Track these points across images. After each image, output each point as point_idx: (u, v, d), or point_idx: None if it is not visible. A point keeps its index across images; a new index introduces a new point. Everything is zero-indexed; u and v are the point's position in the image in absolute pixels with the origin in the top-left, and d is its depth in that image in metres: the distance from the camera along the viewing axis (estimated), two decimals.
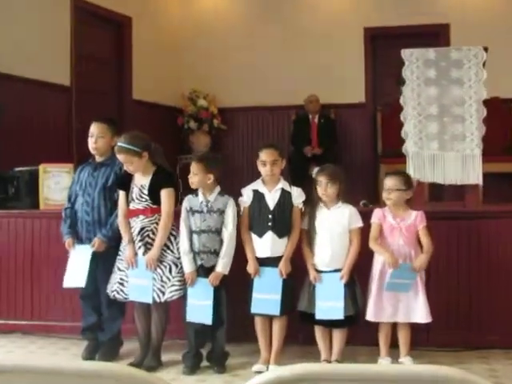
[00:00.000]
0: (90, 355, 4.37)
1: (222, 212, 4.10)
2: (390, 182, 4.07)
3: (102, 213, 4.31)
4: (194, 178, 4.10)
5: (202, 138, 8.68)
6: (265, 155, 4.09)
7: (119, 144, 4.11)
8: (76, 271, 4.29)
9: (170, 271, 4.10)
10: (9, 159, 5.73)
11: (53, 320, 4.95)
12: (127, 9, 8.00)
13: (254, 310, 4.07)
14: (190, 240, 4.09)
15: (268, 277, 4.06)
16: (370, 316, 4.02)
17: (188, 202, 4.15)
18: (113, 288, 4.18)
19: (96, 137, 4.38)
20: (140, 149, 4.09)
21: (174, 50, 8.73)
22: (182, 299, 4.11)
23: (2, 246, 5.06)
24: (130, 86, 8.15)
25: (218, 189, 4.16)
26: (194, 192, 4.17)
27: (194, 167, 4.09)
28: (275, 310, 4.01)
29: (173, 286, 4.08)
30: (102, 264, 4.30)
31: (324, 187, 4.01)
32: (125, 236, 4.16)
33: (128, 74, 8.15)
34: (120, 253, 4.22)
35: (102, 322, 4.42)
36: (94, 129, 4.41)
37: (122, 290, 4.16)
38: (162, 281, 4.08)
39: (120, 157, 4.11)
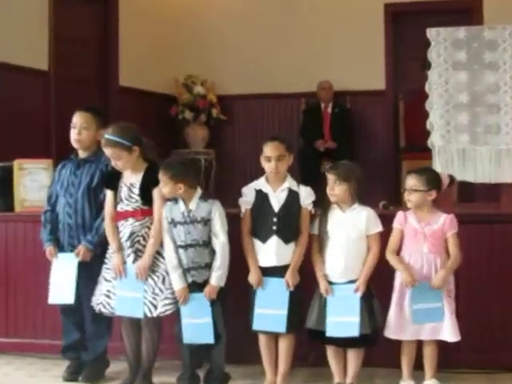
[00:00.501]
0: (71, 377, 4.40)
1: (206, 221, 4.07)
2: (409, 182, 4.08)
3: (86, 216, 4.35)
4: (164, 189, 4.06)
5: (198, 130, 8.70)
6: (269, 150, 4.10)
7: (106, 136, 4.14)
8: (62, 285, 4.32)
9: (163, 282, 4.12)
10: None
11: (30, 337, 4.98)
12: None
13: (256, 326, 4.09)
14: (177, 253, 4.10)
15: (273, 289, 4.07)
16: (390, 333, 4.03)
17: (169, 211, 4.10)
18: (98, 301, 4.20)
19: (79, 128, 4.41)
20: (130, 142, 4.13)
21: (166, 29, 8.73)
22: (176, 315, 4.13)
23: None
24: (117, 70, 8.17)
25: (198, 193, 4.12)
26: (174, 199, 4.14)
27: (162, 178, 4.05)
28: (281, 327, 4.02)
29: (166, 298, 4.10)
30: (85, 274, 4.32)
31: (331, 186, 4.02)
32: (112, 242, 4.20)
33: (114, 58, 8.17)
34: (106, 261, 4.25)
35: (85, 339, 4.44)
36: (77, 119, 4.44)
37: (108, 304, 4.18)
38: (153, 293, 4.11)
39: (107, 151, 4.14)
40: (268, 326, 4.07)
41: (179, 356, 4.25)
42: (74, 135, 4.43)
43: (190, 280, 4.08)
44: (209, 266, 4.07)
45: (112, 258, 4.19)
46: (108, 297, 4.18)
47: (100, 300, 4.20)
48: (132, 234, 4.15)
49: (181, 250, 4.07)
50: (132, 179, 4.19)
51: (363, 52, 8.45)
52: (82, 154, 4.47)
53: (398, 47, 8.70)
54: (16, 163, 5.07)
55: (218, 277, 4.05)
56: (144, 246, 4.14)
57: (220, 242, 4.07)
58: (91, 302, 4.24)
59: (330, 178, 4.03)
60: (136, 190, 4.16)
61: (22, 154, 5.07)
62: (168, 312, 4.10)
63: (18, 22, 6.74)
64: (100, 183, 4.33)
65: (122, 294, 4.14)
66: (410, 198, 4.05)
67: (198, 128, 8.70)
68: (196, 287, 4.08)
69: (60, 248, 4.40)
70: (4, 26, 6.55)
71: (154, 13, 8.66)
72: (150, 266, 4.11)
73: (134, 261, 4.14)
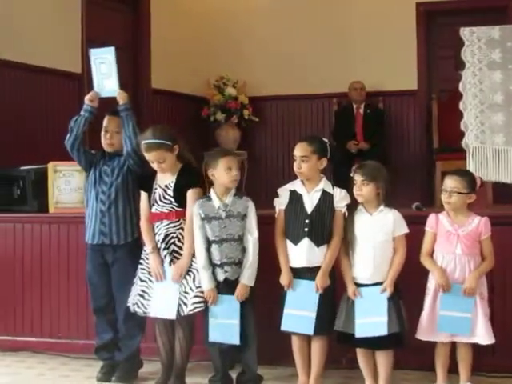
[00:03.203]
0: (105, 377, 4.44)
1: (243, 216, 4.12)
2: (450, 183, 4.01)
3: (119, 205, 4.37)
4: (237, 175, 4.13)
5: (230, 132, 8.71)
6: (296, 149, 4.14)
7: (148, 141, 4.16)
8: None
9: (194, 280, 4.15)
10: (14, 157, 5.83)
11: (64, 337, 5.06)
12: None
13: (284, 327, 4.09)
14: (208, 251, 4.12)
15: (303, 290, 4.07)
16: (422, 334, 4.02)
17: (201, 207, 4.13)
18: (133, 301, 4.24)
19: (111, 132, 4.46)
20: (171, 142, 4.17)
21: (198, 31, 8.76)
22: (204, 316, 4.16)
23: (8, 254, 5.17)
24: (149, 73, 8.22)
25: (233, 190, 4.17)
26: (205, 196, 4.19)
27: (236, 162, 4.15)
28: (309, 328, 4.02)
29: (195, 297, 4.12)
30: (117, 273, 4.38)
31: (358, 186, 4.01)
32: (148, 243, 4.23)
33: (146, 60, 8.22)
34: (142, 261, 4.29)
35: (118, 339, 4.49)
36: (109, 123, 4.48)
37: (142, 304, 4.22)
38: (185, 292, 4.14)
39: (151, 155, 4.15)
40: (296, 327, 4.07)
41: (210, 357, 4.28)
42: (106, 140, 4.47)
43: (222, 276, 4.10)
44: (241, 264, 4.10)
45: (149, 259, 4.22)
46: (142, 297, 4.22)
47: (135, 300, 4.23)
48: (167, 235, 4.18)
49: (214, 246, 4.10)
50: (166, 181, 4.22)
51: (395, 52, 8.40)
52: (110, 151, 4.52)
53: (430, 47, 8.65)
54: (50, 165, 5.14)
55: (249, 275, 4.08)
56: (179, 248, 4.18)
57: (254, 238, 4.10)
58: (124, 303, 4.28)
59: (357, 178, 4.02)
60: (170, 192, 4.20)
61: (56, 157, 5.10)
62: (197, 310, 4.12)
63: (52, 27, 6.82)
64: (135, 184, 4.38)
65: (159, 296, 4.16)
66: (451, 201, 4.00)
67: (229, 129, 8.70)
68: (227, 286, 4.10)
69: (91, 236, 4.44)
70: (38, 30, 6.64)
71: (185, 15, 8.69)
72: (188, 266, 4.13)
73: (171, 262, 4.16)
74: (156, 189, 4.24)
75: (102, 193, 4.41)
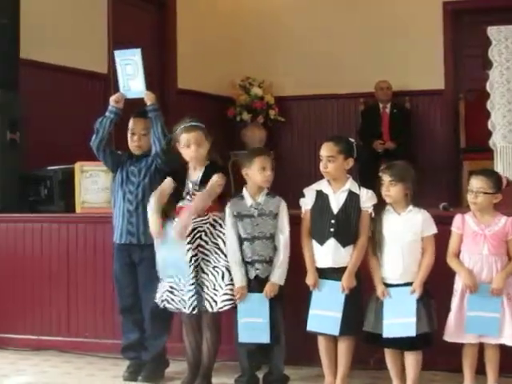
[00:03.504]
0: (131, 376, 4.45)
1: (275, 215, 4.15)
2: (476, 183, 3.98)
3: (147, 203, 4.34)
4: (271, 175, 4.16)
5: (256, 132, 8.73)
6: (322, 149, 4.13)
7: (191, 123, 4.21)
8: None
9: (223, 278, 4.14)
10: (40, 157, 5.85)
11: (91, 337, 5.08)
12: None
13: (310, 327, 4.08)
14: (241, 248, 4.15)
15: (328, 291, 4.06)
16: (449, 336, 3.99)
17: (234, 206, 4.17)
18: (162, 297, 4.23)
19: (139, 134, 4.47)
20: (207, 130, 4.23)
21: (223, 32, 8.78)
22: (234, 315, 4.16)
23: (35, 253, 5.20)
24: (175, 73, 8.25)
25: (266, 189, 4.20)
26: (238, 195, 4.22)
27: (271, 161, 4.17)
28: (334, 329, 4.00)
29: (225, 294, 4.12)
30: (144, 273, 4.39)
31: (386, 186, 3.99)
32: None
33: (172, 60, 8.26)
34: None
35: (144, 339, 4.50)
36: (136, 125, 4.49)
37: (172, 300, 4.21)
38: (214, 289, 4.13)
39: (191, 135, 4.16)
40: (322, 328, 4.06)
41: (236, 357, 4.28)
42: (134, 142, 4.49)
43: (253, 274, 4.12)
44: (272, 262, 4.12)
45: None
46: (172, 293, 4.21)
47: (164, 296, 4.23)
48: (194, 229, 4.15)
49: (246, 243, 4.12)
50: (194, 176, 4.23)
51: (422, 51, 8.38)
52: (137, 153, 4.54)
53: (457, 46, 8.61)
54: (77, 165, 5.16)
55: (279, 274, 4.09)
56: (205, 242, 4.16)
57: (285, 237, 4.12)
58: (150, 302, 4.29)
59: (385, 178, 4.00)
60: (197, 187, 4.20)
61: (82, 157, 5.12)
62: (226, 308, 4.11)
63: (78, 27, 6.86)
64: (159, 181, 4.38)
65: (182, 290, 4.15)
66: (477, 201, 3.96)
67: (255, 129, 8.72)
68: (257, 284, 4.11)
69: (118, 236, 4.45)
70: (65, 30, 6.68)
71: (211, 15, 8.72)
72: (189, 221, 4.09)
73: (194, 257, 4.13)
74: (188, 184, 4.24)
75: (130, 193, 4.43)
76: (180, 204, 4.23)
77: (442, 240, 4.03)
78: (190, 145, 4.18)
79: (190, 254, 4.14)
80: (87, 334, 5.09)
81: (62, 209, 5.32)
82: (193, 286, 4.11)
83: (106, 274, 4.85)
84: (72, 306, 5.11)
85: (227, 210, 4.18)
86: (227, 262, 4.15)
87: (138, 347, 4.52)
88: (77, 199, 5.16)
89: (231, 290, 4.12)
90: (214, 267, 4.16)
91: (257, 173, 4.13)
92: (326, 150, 4.10)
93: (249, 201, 4.16)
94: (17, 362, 4.92)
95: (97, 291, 5.01)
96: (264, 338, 4.08)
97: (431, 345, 3.96)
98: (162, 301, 4.23)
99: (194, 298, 4.10)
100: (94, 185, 5.13)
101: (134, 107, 4.61)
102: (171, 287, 4.22)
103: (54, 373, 4.67)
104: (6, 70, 5.66)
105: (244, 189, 4.21)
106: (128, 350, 4.56)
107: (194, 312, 4.13)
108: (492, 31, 4.85)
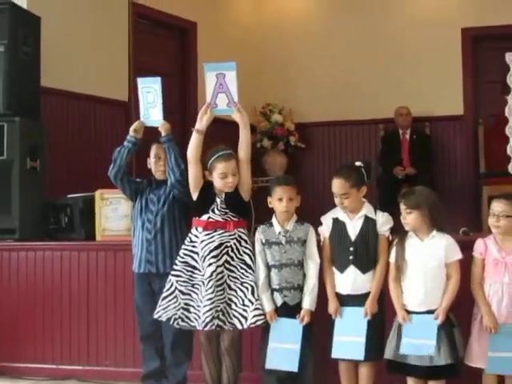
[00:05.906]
0: None
1: (303, 242, 4.12)
2: (498, 207, 3.93)
3: (165, 232, 4.34)
4: (290, 206, 4.12)
5: (277, 158, 8.69)
6: (334, 187, 4.09)
7: (227, 152, 4.23)
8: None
9: (253, 293, 4.08)
10: (61, 185, 5.89)
11: (111, 365, 5.05)
12: (191, 13, 8.13)
13: (335, 354, 4.04)
14: (267, 277, 4.11)
15: (351, 317, 4.03)
16: (471, 360, 3.91)
17: (262, 233, 4.17)
18: (176, 315, 4.15)
19: (164, 159, 4.48)
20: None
21: (244, 59, 8.73)
22: (261, 341, 4.11)
23: (55, 281, 5.19)
24: (196, 100, 8.25)
25: (295, 217, 4.18)
26: (267, 222, 4.19)
27: (291, 191, 4.12)
28: (359, 354, 3.97)
29: (256, 309, 4.06)
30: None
31: (403, 214, 3.96)
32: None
33: (193, 87, 8.26)
34: (181, 274, 4.18)
35: (165, 367, 4.46)
36: (159, 150, 4.52)
37: (187, 317, 4.14)
38: (243, 304, 4.07)
39: (228, 165, 4.16)
40: (347, 354, 4.03)
41: None
42: (160, 167, 4.51)
43: (281, 301, 4.08)
44: (300, 289, 4.08)
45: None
46: (187, 310, 4.14)
47: (178, 314, 4.15)
48: (221, 244, 4.11)
49: (275, 270, 4.09)
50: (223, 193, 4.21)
51: (441, 77, 8.35)
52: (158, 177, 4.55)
53: (476, 71, 8.56)
54: (97, 193, 5.16)
55: (311, 300, 4.05)
56: (231, 258, 4.12)
57: (316, 263, 4.09)
58: (171, 330, 4.24)
59: (401, 206, 3.97)
60: (224, 205, 4.17)
61: (103, 185, 5.11)
62: (258, 323, 4.04)
63: (99, 54, 6.91)
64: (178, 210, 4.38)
65: (199, 307, 4.08)
66: (500, 224, 3.91)
67: (276, 156, 8.69)
68: (286, 310, 4.07)
69: (137, 265, 4.42)
70: (86, 58, 6.73)
71: (231, 43, 8.72)
72: None
73: (214, 272, 4.07)
74: (217, 198, 4.19)
75: (148, 221, 4.41)
76: (207, 219, 4.17)
77: (462, 265, 3.97)
78: (226, 176, 4.15)
79: (211, 269, 4.07)
80: (107, 363, 5.06)
81: (82, 237, 5.31)
82: (209, 301, 4.04)
83: (126, 301, 4.83)
84: (92, 334, 5.08)
85: (256, 236, 4.18)
86: (255, 277, 4.11)
87: (159, 375, 4.49)
88: (97, 227, 5.15)
89: (261, 304, 4.06)
90: (242, 283, 4.11)
91: (276, 203, 4.13)
92: (338, 188, 4.07)
93: (277, 228, 4.15)
94: None
95: (117, 319, 4.97)
96: (292, 365, 4.02)
97: (458, 375, 3.89)
98: (175, 319, 4.14)
99: (209, 313, 4.02)
100: (114, 212, 5.12)
101: (154, 134, 4.60)
102: (186, 304, 4.15)
103: None
104: (27, 97, 5.70)
105: (273, 216, 4.20)
106: (149, 378, 4.52)
107: (206, 328, 4.04)
108: (510, 57, 4.85)
